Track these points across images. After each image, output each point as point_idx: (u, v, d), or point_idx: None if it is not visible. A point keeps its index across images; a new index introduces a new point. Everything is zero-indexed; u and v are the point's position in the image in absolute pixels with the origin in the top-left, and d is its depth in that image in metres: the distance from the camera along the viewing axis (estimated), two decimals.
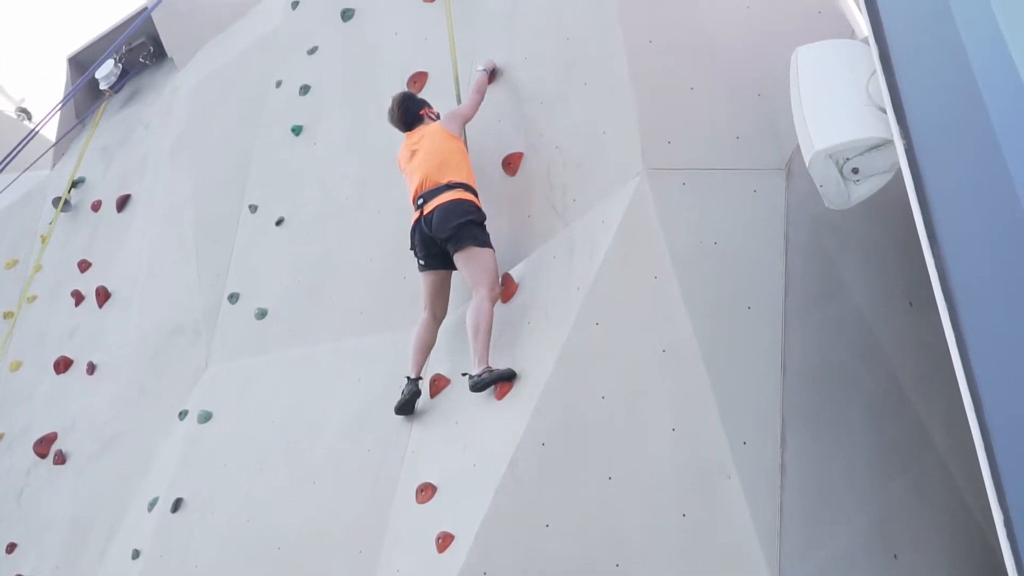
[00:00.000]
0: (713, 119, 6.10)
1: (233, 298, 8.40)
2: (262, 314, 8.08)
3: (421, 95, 7.24)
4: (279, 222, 8.33)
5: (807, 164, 4.46)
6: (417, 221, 6.48)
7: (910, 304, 5.79)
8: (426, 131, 6.71)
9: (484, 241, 6.35)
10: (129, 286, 9.53)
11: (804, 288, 5.61)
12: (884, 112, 4.16)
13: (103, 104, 11.50)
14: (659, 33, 6.36)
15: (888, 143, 4.20)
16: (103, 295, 9.66)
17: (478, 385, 5.98)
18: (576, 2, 6.73)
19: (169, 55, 11.10)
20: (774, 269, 5.62)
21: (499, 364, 6.03)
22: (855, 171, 4.40)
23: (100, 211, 10.41)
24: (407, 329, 6.97)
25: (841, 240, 5.81)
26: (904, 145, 3.90)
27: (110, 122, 11.26)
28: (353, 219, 7.75)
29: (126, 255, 9.77)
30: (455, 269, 6.53)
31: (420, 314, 6.63)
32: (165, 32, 11.05)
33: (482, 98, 6.90)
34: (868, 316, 5.70)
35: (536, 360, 5.87)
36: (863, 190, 4.46)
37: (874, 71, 4.30)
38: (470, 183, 6.49)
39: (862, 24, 6.27)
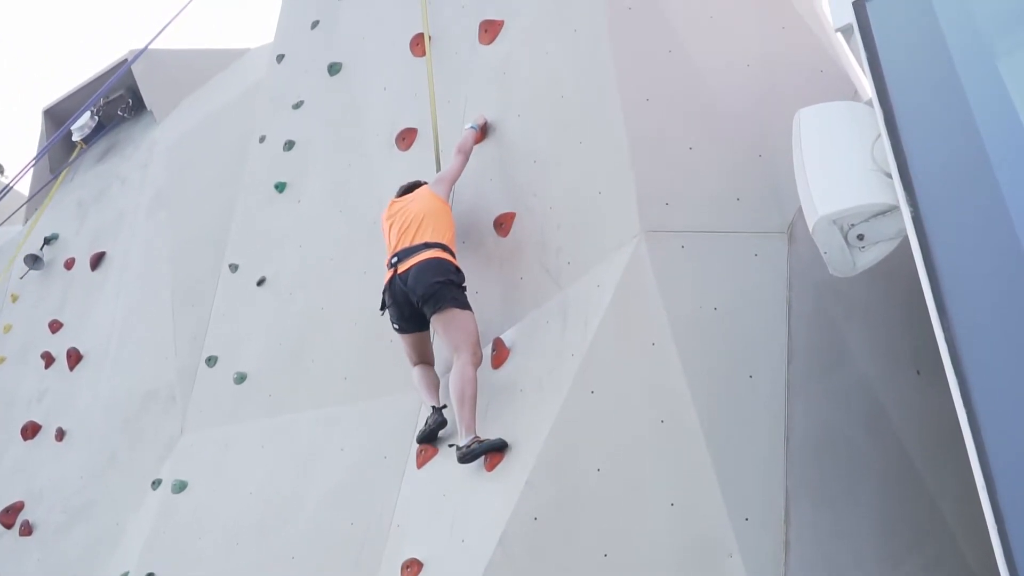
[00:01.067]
0: (713, 180, 6.15)
1: (211, 362, 8.39)
2: (241, 379, 8.07)
3: (410, 152, 7.31)
4: (260, 282, 8.34)
5: (810, 230, 4.50)
6: (390, 280, 6.51)
7: (918, 373, 5.81)
8: (414, 195, 6.81)
9: (464, 303, 6.38)
10: (102, 348, 9.51)
11: (808, 356, 5.63)
12: (890, 177, 4.21)
13: (74, 153, 11.56)
14: (657, 91, 6.43)
15: (894, 209, 4.25)
16: (74, 357, 9.64)
17: (467, 456, 5.94)
18: (572, 58, 6.81)
19: (148, 108, 11.20)
20: (777, 336, 5.64)
21: (489, 434, 6.02)
22: (860, 238, 4.44)
23: (73, 269, 10.43)
24: (393, 395, 6.99)
25: (846, 307, 5.84)
26: (911, 212, 3.95)
27: (85, 176, 11.32)
28: (338, 280, 7.77)
29: (99, 315, 9.77)
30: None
31: (411, 367, 6.67)
32: (144, 84, 11.15)
33: (467, 157, 6.95)
34: (875, 385, 5.71)
35: (528, 430, 5.86)
36: (869, 257, 4.50)
37: (879, 135, 4.36)
38: (450, 245, 6.55)
39: (866, 85, 6.37)
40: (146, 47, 10.38)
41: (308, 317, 7.85)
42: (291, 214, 8.42)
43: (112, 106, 11.43)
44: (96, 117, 11.38)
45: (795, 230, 5.96)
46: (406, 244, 6.51)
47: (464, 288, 6.47)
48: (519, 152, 6.94)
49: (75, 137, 11.42)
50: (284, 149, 8.73)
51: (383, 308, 6.64)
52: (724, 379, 5.53)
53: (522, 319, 6.45)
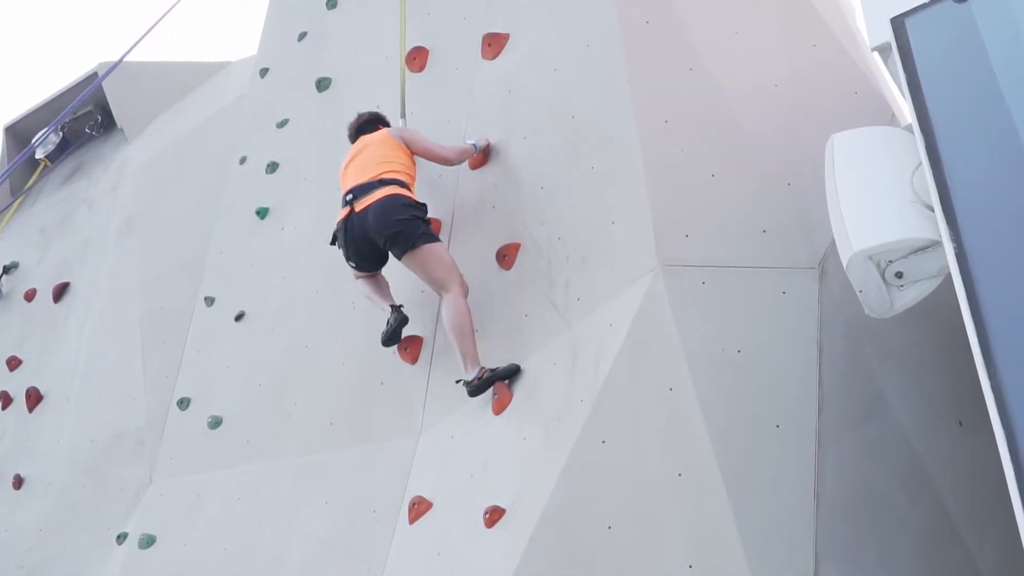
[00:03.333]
0: (737, 210, 6.17)
1: (183, 404, 8.39)
2: (216, 423, 8.07)
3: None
4: (239, 317, 8.37)
5: (845, 267, 4.51)
6: (347, 218, 6.78)
7: (960, 424, 5.81)
8: (371, 136, 7.06)
9: (434, 236, 6.72)
10: (64, 387, 9.52)
11: (840, 404, 5.62)
12: (931, 210, 4.23)
13: (36, 173, 11.61)
14: (676, 113, 6.47)
15: (936, 245, 4.26)
16: (34, 397, 9.65)
17: (478, 388, 6.31)
18: (583, 76, 6.87)
19: (119, 125, 11.26)
20: (806, 382, 5.64)
21: (486, 494, 5.99)
22: (899, 275, 4.45)
23: (34, 301, 10.45)
24: (384, 442, 7.00)
25: (882, 350, 5.85)
26: (954, 248, 3.96)
27: (49, 200, 11.37)
28: (324, 316, 7.79)
29: (62, 352, 9.78)
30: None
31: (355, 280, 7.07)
32: (115, 99, 11.22)
33: (453, 160, 7.11)
34: (912, 437, 5.71)
35: (532, 483, 5.85)
36: (908, 297, 4.50)
37: (919, 163, 4.38)
38: (408, 182, 6.81)
39: (904, 108, 6.41)
40: (119, 62, 10.43)
41: (291, 356, 7.86)
42: (274, 243, 8.46)
43: (79, 123, 11.51)
44: (61, 133, 11.42)
45: (827, 265, 5.97)
46: (361, 180, 6.78)
47: (428, 220, 6.77)
48: (525, 177, 6.97)
49: (38, 154, 11.46)
50: (267, 171, 8.78)
51: (333, 242, 6.99)
52: (748, 429, 5.51)
53: (526, 360, 6.45)
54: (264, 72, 9.29)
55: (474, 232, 7.07)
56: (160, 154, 10.31)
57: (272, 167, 8.76)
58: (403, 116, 7.59)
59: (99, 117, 11.46)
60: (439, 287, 6.63)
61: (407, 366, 7.09)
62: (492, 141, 7.23)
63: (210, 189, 9.28)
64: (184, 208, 9.52)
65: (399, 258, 6.74)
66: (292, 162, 8.66)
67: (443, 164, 7.19)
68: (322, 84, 8.71)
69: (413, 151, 7.06)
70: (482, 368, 6.40)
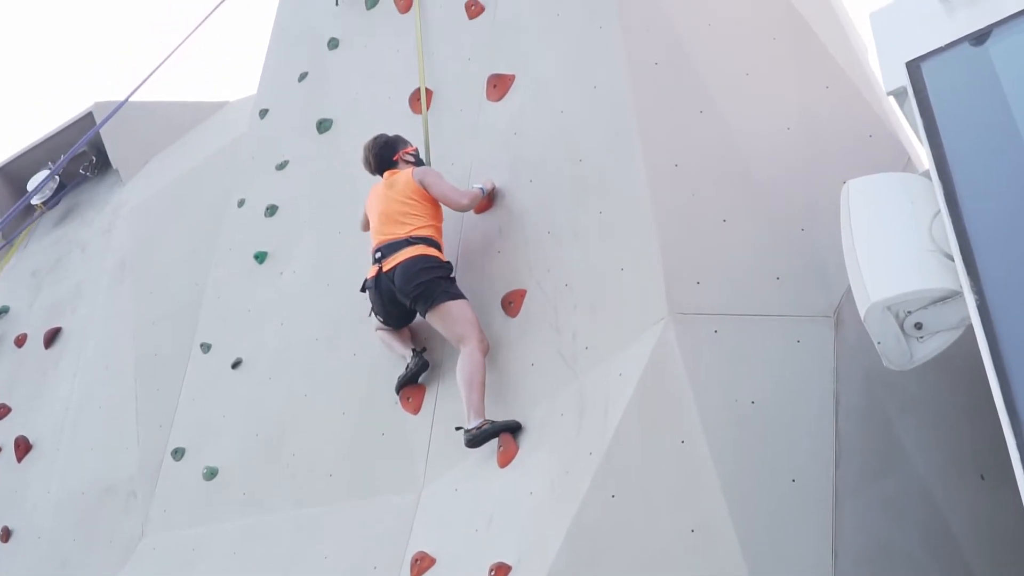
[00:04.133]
0: (749, 256, 6.19)
1: (177, 454, 8.37)
2: (211, 474, 8.04)
3: None
4: (235, 365, 8.36)
5: (862, 317, 4.51)
6: (376, 277, 6.97)
7: (982, 478, 5.78)
8: (396, 178, 7.15)
9: (456, 293, 6.86)
10: (54, 437, 9.49)
11: (858, 458, 5.61)
12: (951, 259, 4.23)
13: (33, 222, 11.64)
14: (686, 156, 6.49)
15: (957, 295, 4.26)
16: (23, 447, 9.62)
17: (476, 439, 6.36)
18: (591, 118, 6.90)
19: (114, 166, 11.29)
20: (822, 435, 5.63)
21: (491, 551, 5.96)
22: (918, 327, 4.46)
23: (24, 347, 10.44)
24: (385, 496, 6.97)
25: (900, 401, 5.84)
26: (976, 299, 3.97)
27: (41, 243, 11.39)
28: (324, 364, 7.78)
29: (53, 399, 9.76)
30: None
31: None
32: (110, 140, 11.25)
33: (467, 206, 7.13)
34: (933, 492, 5.68)
35: (539, 539, 5.82)
36: (928, 349, 4.51)
37: (938, 211, 4.39)
38: (436, 236, 7.01)
39: (920, 153, 6.44)
40: (118, 107, 10.43)
41: (289, 405, 7.85)
42: (272, 288, 8.46)
43: (73, 164, 11.51)
44: (55, 176, 11.46)
45: (842, 314, 5.97)
46: (389, 237, 6.96)
47: (453, 278, 6.93)
48: (531, 222, 6.99)
49: (34, 200, 11.49)
50: (266, 214, 8.80)
51: (364, 290, 7.15)
52: (763, 483, 5.50)
53: (532, 411, 6.44)
54: (263, 112, 9.33)
55: (479, 278, 7.08)
56: (156, 196, 10.33)
57: (271, 210, 8.78)
58: (427, 163, 7.60)
59: (93, 158, 11.47)
60: (458, 342, 6.74)
61: (409, 416, 7.08)
62: (497, 184, 7.25)
63: (207, 232, 9.29)
64: (180, 252, 9.53)
65: (423, 315, 6.92)
66: (292, 205, 8.69)
67: (455, 209, 7.20)
68: (323, 125, 8.75)
69: (430, 194, 7.10)
70: (484, 420, 6.42)
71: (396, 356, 7.18)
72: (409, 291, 6.82)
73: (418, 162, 7.41)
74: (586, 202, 6.71)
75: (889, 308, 4.44)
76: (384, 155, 7.35)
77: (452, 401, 6.81)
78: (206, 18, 10.07)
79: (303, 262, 8.36)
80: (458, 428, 6.54)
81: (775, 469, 5.54)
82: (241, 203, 9.06)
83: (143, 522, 8.35)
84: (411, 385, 7.10)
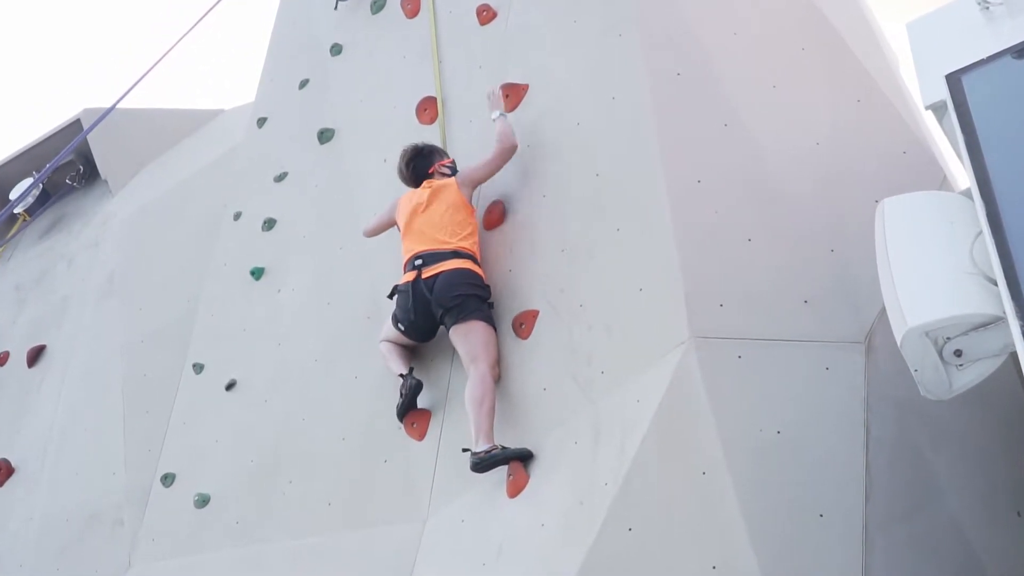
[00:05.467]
0: (775, 278, 6.17)
1: (167, 480, 8.35)
2: (203, 501, 8.03)
3: None
4: (229, 386, 8.35)
5: (899, 343, 4.50)
6: (412, 283, 6.98)
7: (1018, 515, 5.77)
8: (439, 187, 7.21)
9: (489, 318, 6.90)
10: (37, 460, 9.48)
11: (889, 493, 5.58)
12: (993, 283, 4.22)
13: (16, 234, 11.65)
14: (710, 172, 6.49)
15: (999, 321, 4.25)
16: (5, 471, 9.62)
17: (483, 464, 6.36)
18: (608, 131, 6.90)
19: (102, 176, 11.32)
20: (852, 468, 5.60)
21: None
22: (958, 354, 4.44)
23: (7, 365, 10.44)
24: (387, 526, 6.95)
25: (934, 433, 5.82)
26: (1020, 325, 3.95)
27: (25, 255, 11.40)
28: (323, 386, 7.77)
29: (36, 421, 9.76)
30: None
31: (380, 338, 7.30)
32: (98, 148, 11.28)
33: (508, 153, 7.22)
34: (967, 530, 5.66)
35: (551, 574, 5.79)
36: (968, 377, 4.49)
37: (979, 232, 4.38)
38: (477, 255, 7.08)
39: (957, 170, 6.44)
40: (105, 114, 10.42)
41: (286, 429, 7.83)
42: (269, 305, 8.46)
43: (59, 173, 11.54)
44: (39, 184, 11.47)
45: (874, 340, 5.95)
46: (432, 246, 7.01)
47: (491, 303, 6.97)
48: (544, 239, 6.98)
49: (17, 208, 11.50)
50: (263, 228, 8.81)
51: (392, 295, 7.19)
52: (789, 518, 5.47)
53: (544, 439, 6.42)
54: (262, 122, 9.34)
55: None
56: (146, 208, 10.34)
57: (269, 224, 8.78)
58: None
59: (81, 167, 11.51)
60: (471, 362, 6.74)
61: (413, 443, 7.06)
62: (508, 200, 7.25)
63: (200, 247, 9.30)
64: (171, 267, 9.54)
65: (448, 328, 6.91)
66: (290, 219, 8.69)
67: (508, 156, 7.24)
68: (324, 135, 8.76)
69: (482, 179, 7.28)
70: (493, 444, 6.42)
71: (393, 374, 7.15)
72: (447, 301, 6.85)
73: (454, 172, 7.41)
74: (603, 219, 6.70)
75: (927, 334, 4.43)
76: (420, 165, 7.39)
77: (459, 428, 6.79)
78: (199, 20, 10.09)
79: (302, 279, 8.35)
80: (465, 450, 6.52)
81: (802, 503, 5.51)
82: (237, 216, 9.06)
83: (130, 551, 8.31)
84: (415, 410, 7.08)
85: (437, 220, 7.09)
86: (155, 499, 8.38)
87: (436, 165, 7.39)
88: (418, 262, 7.02)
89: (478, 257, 7.08)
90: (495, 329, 6.88)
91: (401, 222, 7.30)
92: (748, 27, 7.11)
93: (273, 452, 7.82)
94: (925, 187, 6.17)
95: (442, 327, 7.00)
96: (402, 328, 7.14)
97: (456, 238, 7.03)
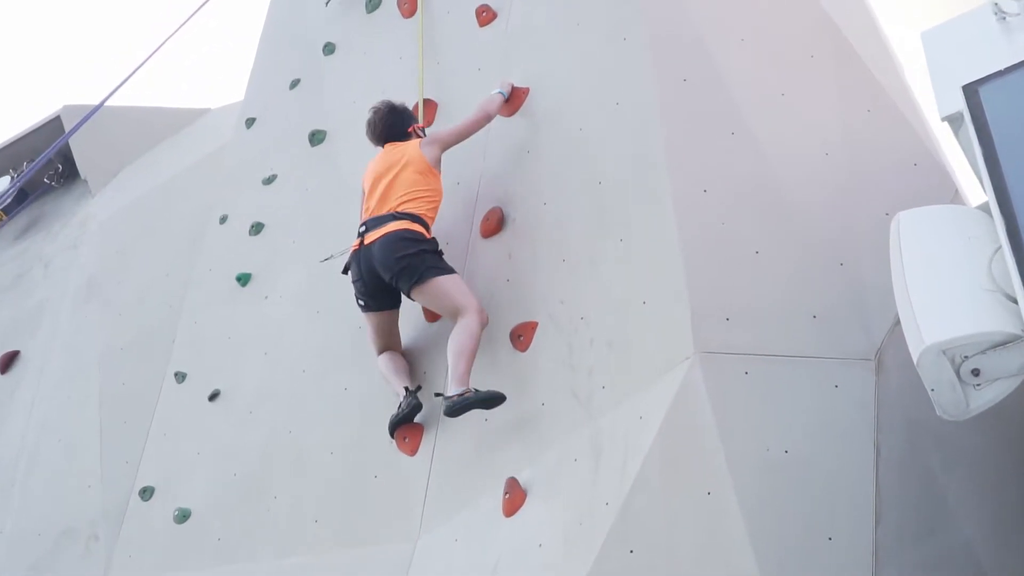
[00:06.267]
0: (783, 292, 6.20)
1: (145, 494, 8.34)
2: (183, 517, 8.02)
3: None
4: (213, 397, 8.35)
5: (915, 361, 4.52)
6: (357, 251, 7.14)
7: None
8: (403, 150, 7.35)
9: (445, 268, 7.02)
10: (9, 472, 9.46)
11: (900, 515, 5.61)
12: (1013, 301, 4.25)
13: None
14: (716, 181, 6.52)
15: (1018, 340, 4.28)
16: None
17: (456, 407, 6.47)
18: (612, 137, 6.93)
19: (82, 175, 11.32)
20: (861, 489, 5.62)
21: None
22: (975, 373, 4.46)
23: None
24: (376, 545, 6.93)
25: (946, 454, 5.84)
26: None
27: (0, 257, 11.35)
28: (310, 398, 7.78)
29: (8, 430, 9.74)
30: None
31: (375, 354, 7.26)
32: (78, 146, 11.28)
33: (485, 119, 7.43)
34: (980, 554, 5.68)
35: None
36: (985, 398, 4.52)
37: (998, 247, 4.42)
38: (421, 214, 7.13)
39: (968, 182, 6.47)
40: (91, 114, 10.38)
41: (272, 442, 7.83)
42: (255, 313, 8.47)
43: (37, 171, 11.50)
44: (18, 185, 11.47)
45: (884, 357, 5.98)
46: (376, 212, 7.15)
47: (441, 252, 7.09)
48: (544, 248, 7.00)
49: None
50: (250, 232, 8.82)
51: (346, 271, 7.30)
52: (796, 541, 5.49)
53: (543, 455, 6.43)
54: (250, 122, 9.35)
55: (486, 308, 7.05)
56: (127, 209, 10.34)
57: (256, 228, 8.80)
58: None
59: (60, 166, 11.51)
60: (454, 314, 6.90)
61: (405, 458, 7.06)
62: (507, 207, 7.27)
63: (184, 250, 9.31)
64: (153, 271, 9.53)
65: (408, 295, 7.04)
66: (279, 223, 8.70)
67: (485, 123, 7.43)
68: (316, 137, 8.77)
69: (448, 147, 7.36)
70: (467, 388, 6.52)
71: (392, 391, 7.15)
72: (391, 265, 6.93)
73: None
74: (605, 228, 6.73)
75: (945, 352, 4.45)
76: (395, 123, 7.54)
77: (453, 443, 6.81)
78: (189, 18, 10.11)
79: (290, 286, 8.36)
80: (438, 395, 6.66)
81: (810, 525, 5.53)
82: (223, 219, 9.07)
83: (105, 568, 8.29)
84: (407, 424, 7.09)
85: (386, 184, 7.21)
86: (132, 514, 8.36)
87: (414, 127, 7.58)
88: (362, 229, 7.16)
89: (426, 216, 7.14)
90: (456, 273, 7.02)
91: (366, 188, 7.42)
92: (756, 33, 7.14)
93: (258, 466, 7.81)
94: (937, 200, 6.20)
95: (402, 292, 7.11)
96: (362, 303, 7.22)
97: (397, 201, 7.12)
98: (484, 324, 6.87)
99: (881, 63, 7.29)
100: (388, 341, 7.31)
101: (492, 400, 6.52)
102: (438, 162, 7.33)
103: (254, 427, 8.00)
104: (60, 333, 10.01)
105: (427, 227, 7.13)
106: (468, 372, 6.60)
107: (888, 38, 7.83)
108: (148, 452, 8.56)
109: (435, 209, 7.25)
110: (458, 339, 6.71)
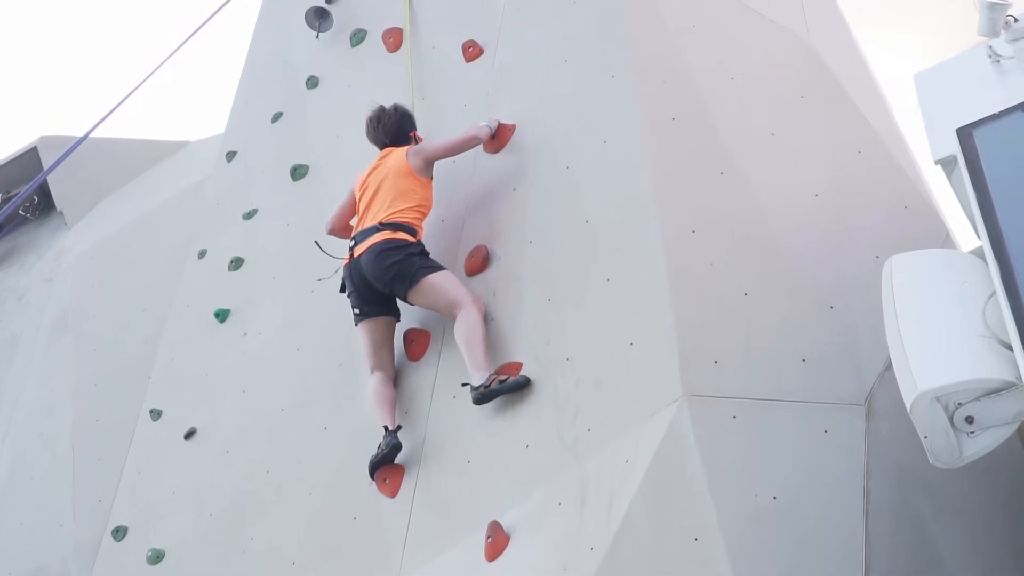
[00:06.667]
0: (773, 335, 6.20)
1: (118, 534, 8.29)
2: (157, 558, 7.96)
3: None
4: (189, 435, 8.32)
5: (908, 408, 4.52)
6: (348, 264, 7.30)
7: None
8: (390, 159, 7.51)
9: (435, 266, 7.19)
10: None
11: (890, 564, 5.59)
12: (1008, 348, 4.26)
13: None
14: (705, 222, 6.53)
15: (1013, 387, 4.28)
16: None
17: (485, 396, 6.62)
18: (599, 176, 6.95)
19: (57, 207, 11.30)
20: (851, 537, 5.60)
21: None
22: (969, 420, 4.47)
23: None
24: None
25: (937, 502, 5.84)
26: None
27: None
28: (288, 437, 7.74)
29: None
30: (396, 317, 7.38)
31: (368, 375, 7.27)
32: (54, 178, 11.23)
33: (469, 144, 7.54)
34: None
35: None
36: (979, 445, 4.52)
37: (992, 293, 4.43)
38: (409, 222, 7.27)
39: (959, 226, 6.50)
40: (75, 147, 10.24)
41: (249, 482, 7.79)
42: (234, 350, 8.44)
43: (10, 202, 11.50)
44: None
45: (875, 402, 5.98)
46: (365, 223, 7.34)
47: (427, 252, 7.24)
48: (529, 287, 7.00)
49: None
50: (229, 268, 8.81)
51: (343, 290, 7.43)
52: None
53: (526, 499, 6.40)
54: (231, 155, 9.35)
55: None
56: (104, 243, 10.33)
57: (236, 263, 8.78)
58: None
59: (35, 198, 11.47)
60: (451, 309, 7.04)
61: (385, 499, 7.02)
62: (494, 249, 7.27)
63: (161, 285, 9.30)
64: (129, 306, 9.53)
65: (405, 299, 7.21)
66: (259, 258, 8.69)
67: (470, 148, 7.56)
68: (298, 172, 8.78)
69: (433, 159, 7.48)
70: (491, 375, 6.64)
71: (376, 421, 7.11)
72: (381, 275, 7.10)
73: None
74: (592, 268, 6.73)
75: (939, 399, 4.45)
76: (404, 127, 7.71)
77: (434, 483, 6.79)
78: (176, 50, 10.05)
79: (270, 323, 8.34)
80: (464, 384, 6.72)
81: (798, 573, 5.50)
82: (202, 254, 9.06)
83: None
84: (387, 465, 7.05)
85: (383, 197, 7.33)
86: (105, 554, 8.31)
87: (416, 134, 7.73)
88: (351, 243, 7.31)
89: (413, 223, 7.27)
90: (446, 269, 7.17)
91: (357, 198, 7.56)
92: (746, 72, 7.19)
93: (234, 506, 7.77)
94: (928, 243, 6.22)
95: (398, 298, 7.25)
96: (358, 312, 7.30)
97: (387, 213, 7.24)
98: (483, 311, 7.00)
99: (871, 104, 7.36)
100: (382, 356, 7.32)
101: (517, 387, 6.62)
102: (423, 171, 7.44)
103: (231, 466, 7.96)
104: (33, 367, 9.98)
105: (414, 232, 7.27)
106: (485, 356, 6.74)
107: (878, 79, 7.88)
108: (122, 490, 8.52)
109: (423, 215, 7.39)
110: (463, 330, 6.86)
